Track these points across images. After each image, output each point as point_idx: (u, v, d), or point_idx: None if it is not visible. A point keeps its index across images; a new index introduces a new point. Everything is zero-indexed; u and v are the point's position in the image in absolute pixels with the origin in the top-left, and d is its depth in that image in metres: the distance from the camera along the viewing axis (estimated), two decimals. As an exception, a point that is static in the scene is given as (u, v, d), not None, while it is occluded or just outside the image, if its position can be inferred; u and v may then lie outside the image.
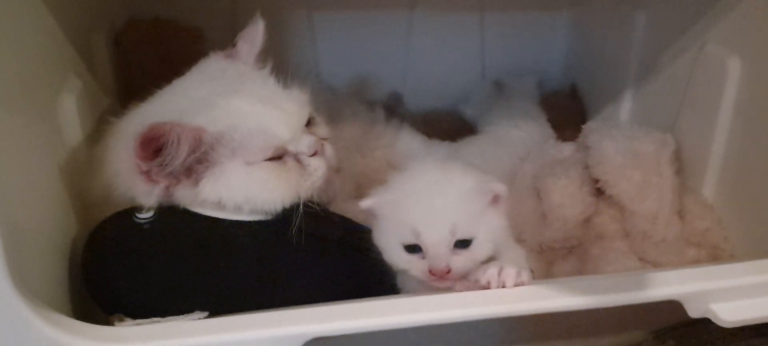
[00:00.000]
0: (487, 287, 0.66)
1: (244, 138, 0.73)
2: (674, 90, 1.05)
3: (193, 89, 0.77)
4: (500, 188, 0.74)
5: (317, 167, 0.78)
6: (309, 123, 0.81)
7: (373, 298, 0.69)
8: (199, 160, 0.71)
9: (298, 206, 0.74)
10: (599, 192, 1.00)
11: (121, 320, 0.66)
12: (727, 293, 0.65)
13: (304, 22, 1.37)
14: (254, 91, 0.76)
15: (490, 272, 0.67)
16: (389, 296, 0.71)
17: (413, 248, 0.72)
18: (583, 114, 1.34)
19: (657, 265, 0.92)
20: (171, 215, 0.72)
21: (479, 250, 0.72)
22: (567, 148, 1.09)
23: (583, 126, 1.09)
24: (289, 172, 0.76)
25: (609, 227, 0.98)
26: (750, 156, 0.90)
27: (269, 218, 0.75)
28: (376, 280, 0.77)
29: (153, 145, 0.68)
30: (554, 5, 1.44)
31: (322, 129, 0.84)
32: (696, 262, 0.92)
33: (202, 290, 0.70)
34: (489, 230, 0.73)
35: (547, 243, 0.98)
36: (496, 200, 0.74)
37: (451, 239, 0.70)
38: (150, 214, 0.71)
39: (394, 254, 0.74)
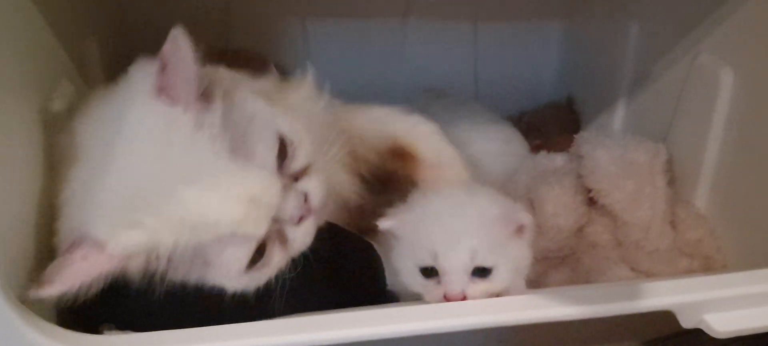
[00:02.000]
0: None
1: (216, 251, 0.60)
2: (667, 100, 1.05)
3: (141, 164, 0.58)
4: (527, 217, 0.71)
5: (305, 234, 0.64)
6: (285, 155, 0.63)
7: (366, 307, 0.68)
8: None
9: None
10: (592, 202, 1.00)
11: (109, 329, 0.65)
12: (720, 304, 0.65)
13: (297, 30, 1.37)
14: (213, 175, 0.57)
15: None
16: (382, 306, 0.70)
17: (430, 272, 0.70)
18: (578, 126, 1.34)
19: (649, 275, 0.92)
20: None
21: (498, 280, 0.69)
22: (560, 158, 1.09)
23: (576, 135, 1.09)
24: (273, 258, 0.63)
25: (602, 236, 0.98)
26: (743, 167, 0.90)
27: None
28: (366, 294, 0.75)
29: None
30: (547, 14, 1.44)
31: (302, 156, 0.66)
32: (688, 272, 0.91)
33: (187, 311, 0.67)
34: (511, 260, 0.70)
35: (540, 253, 0.98)
36: (520, 230, 0.71)
37: (470, 264, 0.68)
38: None
39: (409, 277, 0.72)
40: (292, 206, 0.61)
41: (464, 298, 0.67)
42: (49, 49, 0.81)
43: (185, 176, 0.57)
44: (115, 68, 0.96)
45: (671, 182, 0.99)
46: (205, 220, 0.57)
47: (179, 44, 0.58)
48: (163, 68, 0.59)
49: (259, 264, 0.61)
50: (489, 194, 0.76)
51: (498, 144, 1.17)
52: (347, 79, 1.39)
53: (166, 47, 0.59)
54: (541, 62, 1.47)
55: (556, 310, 0.63)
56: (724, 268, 0.91)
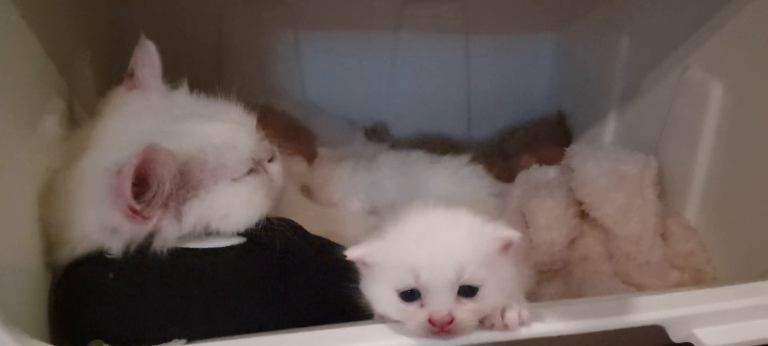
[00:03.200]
0: (503, 329, 0.63)
1: (221, 157, 0.72)
2: (657, 113, 1.06)
3: (133, 125, 0.74)
4: (514, 234, 0.65)
5: (278, 171, 0.79)
6: None
7: (352, 323, 0.67)
8: (180, 186, 0.70)
9: (268, 224, 0.74)
10: (584, 214, 1.00)
11: (99, 346, 0.65)
12: (709, 318, 0.65)
13: (290, 42, 1.37)
14: (198, 112, 0.76)
15: (511, 316, 0.62)
16: (367, 322, 0.68)
17: (410, 296, 0.62)
18: (570, 139, 1.34)
19: (641, 287, 0.92)
20: (141, 249, 0.70)
21: (486, 301, 0.63)
22: (552, 171, 1.09)
23: (566, 149, 1.09)
24: (263, 180, 0.76)
25: (593, 249, 0.99)
26: (732, 179, 0.90)
27: (240, 242, 0.73)
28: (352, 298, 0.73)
29: (144, 178, 0.66)
30: (538, 28, 1.45)
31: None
32: (679, 284, 0.91)
33: (178, 321, 0.69)
34: (499, 280, 0.63)
35: (533, 265, 0.98)
36: (507, 248, 0.66)
37: (455, 281, 0.61)
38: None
39: (386, 304, 0.64)
40: (264, 148, 0.78)
41: (452, 321, 0.60)
42: (40, 65, 0.81)
43: (188, 115, 0.75)
44: (107, 84, 0.96)
45: (662, 194, 0.99)
46: (217, 136, 0.73)
47: (147, 47, 0.80)
48: (131, 74, 0.80)
49: (253, 173, 0.75)
50: (468, 210, 0.70)
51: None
52: (339, 91, 1.41)
53: (138, 50, 0.80)
54: (533, 75, 1.48)
55: (545, 326, 0.63)
56: (715, 280, 0.91)
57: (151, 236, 0.69)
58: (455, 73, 1.44)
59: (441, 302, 0.61)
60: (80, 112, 0.90)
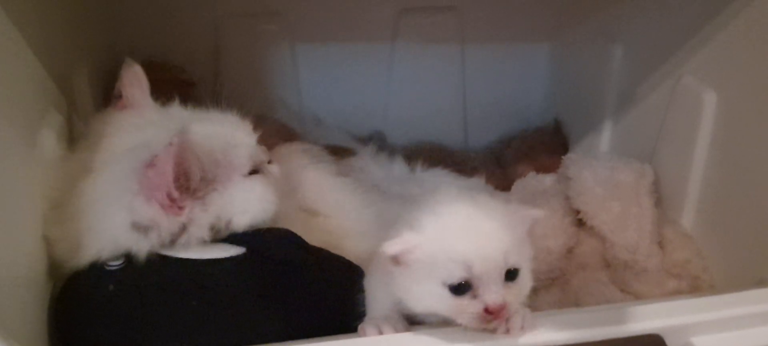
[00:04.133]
0: (506, 333, 0.63)
1: (228, 155, 0.75)
2: (652, 121, 1.06)
3: (142, 136, 0.76)
4: (539, 213, 0.70)
5: (278, 171, 0.82)
6: None
7: (353, 334, 0.67)
8: (202, 178, 0.72)
9: (267, 234, 0.75)
10: (580, 223, 1.01)
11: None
12: (707, 326, 0.65)
13: (287, 54, 1.38)
14: (196, 119, 0.78)
15: (515, 320, 0.63)
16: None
17: (461, 289, 0.63)
18: (566, 148, 1.35)
19: (638, 296, 0.92)
20: (140, 261, 0.71)
21: (524, 282, 0.66)
22: (548, 180, 1.10)
23: (563, 157, 1.10)
24: (269, 179, 0.79)
25: (591, 257, 0.99)
26: (728, 187, 0.91)
27: (240, 252, 0.74)
28: (349, 305, 0.74)
29: (179, 164, 0.68)
30: (533, 37, 1.46)
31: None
32: (676, 292, 0.92)
33: (178, 332, 0.69)
34: (527, 260, 0.67)
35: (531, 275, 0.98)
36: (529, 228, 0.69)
37: (503, 267, 0.63)
38: (120, 261, 0.70)
39: (435, 300, 0.64)
40: (262, 149, 0.81)
41: (504, 306, 0.62)
42: (38, 80, 0.81)
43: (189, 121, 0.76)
44: (104, 99, 0.97)
45: (658, 202, 1.00)
46: (219, 137, 0.76)
47: (134, 68, 0.82)
48: (119, 95, 0.83)
49: (258, 173, 0.79)
50: (490, 197, 0.71)
51: None
52: (336, 101, 1.41)
53: (124, 72, 0.82)
54: (529, 84, 1.48)
55: (542, 335, 0.63)
56: (712, 288, 0.92)
57: (183, 229, 0.71)
58: (452, 83, 1.45)
59: (495, 290, 0.62)
60: (79, 126, 0.91)
